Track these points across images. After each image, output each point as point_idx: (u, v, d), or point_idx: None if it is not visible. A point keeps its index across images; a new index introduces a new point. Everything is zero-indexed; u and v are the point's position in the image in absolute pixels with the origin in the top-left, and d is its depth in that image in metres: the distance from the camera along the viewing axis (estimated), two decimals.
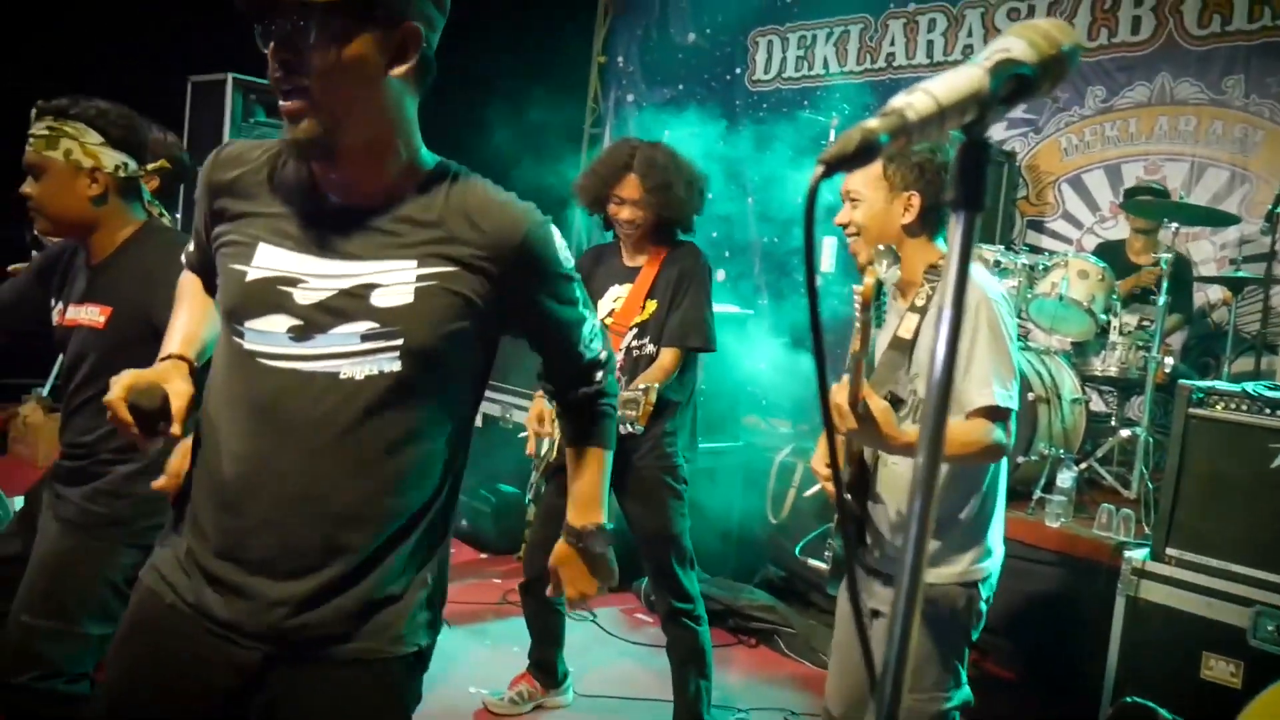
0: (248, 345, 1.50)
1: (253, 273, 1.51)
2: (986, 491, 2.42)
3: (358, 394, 1.48)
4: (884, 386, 2.35)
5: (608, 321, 3.46)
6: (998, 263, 4.83)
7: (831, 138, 6.58)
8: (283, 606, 1.48)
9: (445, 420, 1.59)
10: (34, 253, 2.82)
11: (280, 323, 1.49)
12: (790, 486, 4.99)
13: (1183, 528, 3.39)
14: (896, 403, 2.31)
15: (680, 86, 8.25)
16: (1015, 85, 0.72)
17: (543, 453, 3.49)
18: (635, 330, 3.41)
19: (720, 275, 7.56)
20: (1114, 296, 4.74)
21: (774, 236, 7.29)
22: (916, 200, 2.37)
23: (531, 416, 3.48)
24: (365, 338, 1.47)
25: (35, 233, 2.52)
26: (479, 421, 6.42)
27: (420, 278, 1.49)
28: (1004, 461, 2.42)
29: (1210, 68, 5.65)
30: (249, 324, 1.50)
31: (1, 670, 2.34)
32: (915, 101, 0.71)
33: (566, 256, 1.65)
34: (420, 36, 1.47)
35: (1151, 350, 4.48)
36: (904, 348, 2.38)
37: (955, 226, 0.73)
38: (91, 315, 2.45)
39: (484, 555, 5.67)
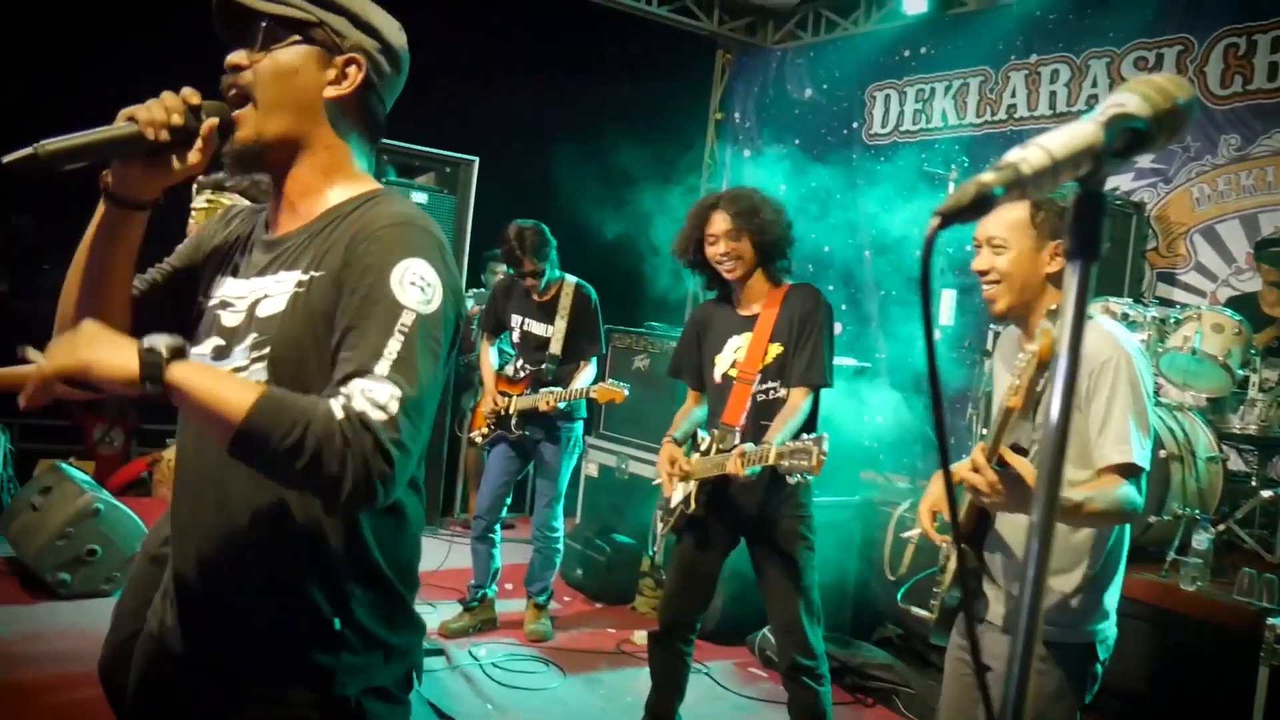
0: None
1: (204, 302, 1.61)
2: (1111, 551, 2.36)
3: None
4: (1010, 438, 2.31)
5: (732, 373, 3.48)
6: (1126, 315, 4.70)
7: (950, 190, 6.52)
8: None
9: None
10: None
11: (209, 345, 1.54)
12: (909, 542, 4.89)
13: None
14: (1020, 454, 2.28)
15: (796, 141, 8.31)
16: (1130, 139, 0.74)
17: (672, 506, 3.51)
18: (760, 376, 3.43)
19: (837, 329, 7.54)
20: (1252, 351, 4.56)
21: (891, 290, 7.24)
22: (1064, 249, 2.33)
23: (663, 459, 3.51)
24: (250, 348, 1.48)
25: None
26: (594, 471, 6.51)
27: (298, 284, 1.48)
28: (1125, 527, 2.37)
29: None
30: (193, 350, 1.54)
31: None
32: (1029, 155, 0.73)
33: (413, 284, 1.42)
34: (361, 70, 1.53)
35: None
36: (1032, 399, 2.35)
37: (1071, 276, 0.75)
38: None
39: (598, 605, 5.71)
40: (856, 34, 8.04)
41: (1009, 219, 2.32)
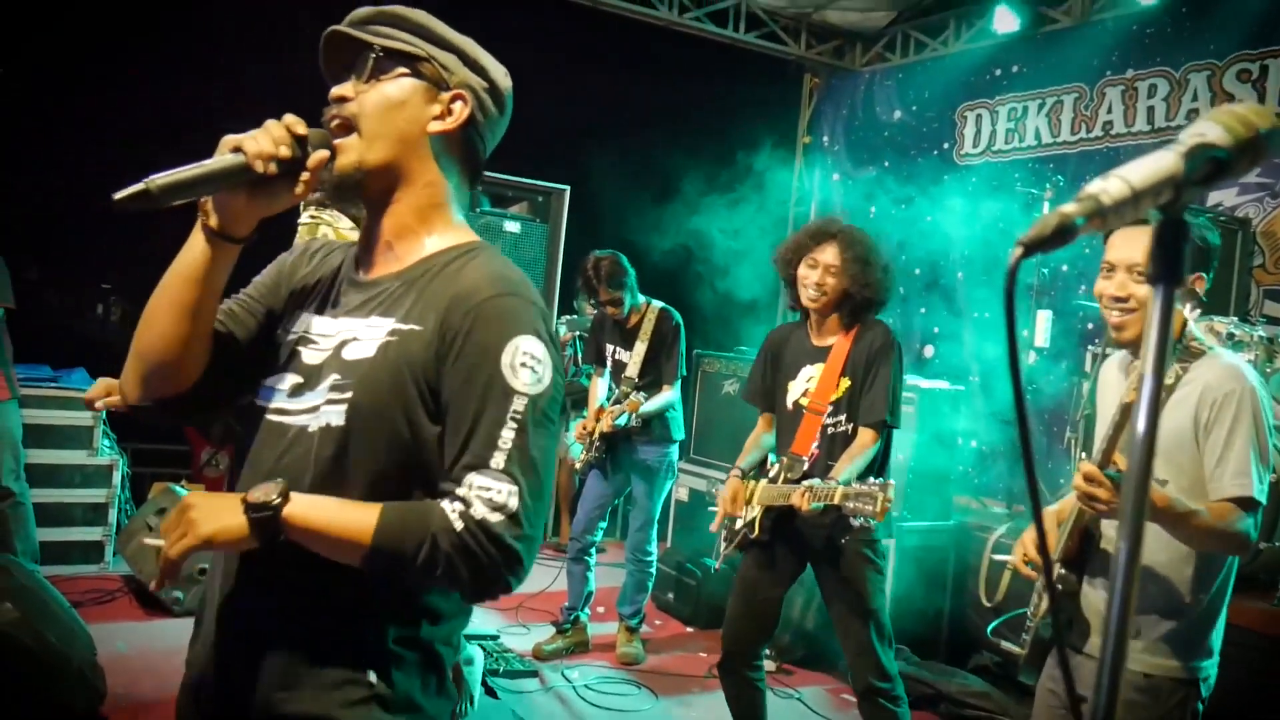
0: (258, 401, 1.54)
1: (284, 337, 1.57)
2: (1219, 587, 2.31)
3: (312, 448, 1.45)
4: (1125, 440, 2.28)
5: (803, 402, 3.51)
6: (1231, 335, 4.56)
7: (1045, 209, 6.43)
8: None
9: (373, 499, 1.41)
10: None
11: (287, 380, 1.52)
12: (1006, 569, 4.81)
13: None
14: None
15: (886, 163, 8.27)
16: (1211, 168, 0.76)
17: (737, 527, 3.53)
18: (831, 408, 3.46)
19: (929, 351, 7.46)
20: None
21: (985, 312, 7.14)
22: (1202, 284, 2.30)
23: (726, 494, 3.55)
24: (330, 389, 1.46)
25: None
26: (685, 495, 6.54)
27: (390, 332, 1.46)
28: (1235, 562, 2.31)
29: None
30: (265, 381, 1.54)
31: None
32: (1110, 187, 0.75)
33: (524, 365, 1.41)
34: (466, 106, 1.53)
35: None
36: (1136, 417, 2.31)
37: (1154, 301, 0.76)
38: None
39: (690, 629, 5.72)
40: (946, 54, 7.98)
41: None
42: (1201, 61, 6.36)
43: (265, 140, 1.42)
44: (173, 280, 1.48)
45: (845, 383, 3.46)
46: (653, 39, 7.93)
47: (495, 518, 1.34)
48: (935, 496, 5.30)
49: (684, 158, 7.10)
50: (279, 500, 1.34)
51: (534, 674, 4.71)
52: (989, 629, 2.72)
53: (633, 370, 5.00)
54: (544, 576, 5.66)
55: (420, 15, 1.54)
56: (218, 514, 1.34)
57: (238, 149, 1.42)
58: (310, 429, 1.45)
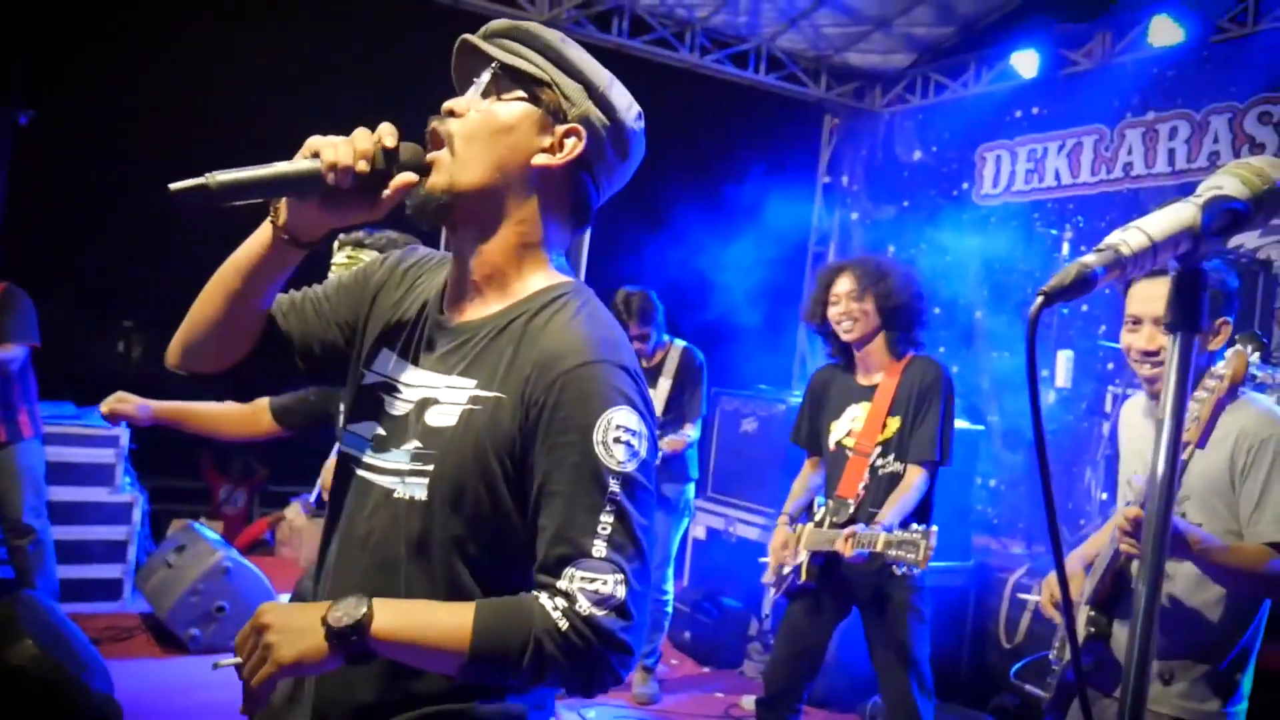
0: (344, 447, 1.49)
1: (367, 376, 1.49)
2: (1253, 630, 2.30)
3: (400, 516, 1.38)
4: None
5: (848, 443, 3.46)
6: (1254, 377, 4.54)
7: (1065, 250, 6.43)
8: None
9: (461, 591, 1.34)
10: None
11: (370, 429, 1.44)
12: (1026, 610, 4.76)
13: None
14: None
15: (905, 203, 8.29)
16: (1228, 219, 0.77)
17: (785, 572, 3.50)
18: (879, 449, 3.40)
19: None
20: None
21: (1005, 351, 7.12)
22: (1228, 328, 2.31)
23: (775, 543, 3.51)
24: (413, 457, 1.38)
25: None
26: (701, 533, 6.54)
27: (472, 399, 1.36)
28: (1268, 606, 2.30)
29: None
30: (350, 426, 1.48)
31: None
32: (1129, 238, 0.77)
33: (617, 442, 1.29)
34: (579, 144, 1.40)
35: None
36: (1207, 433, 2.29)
37: (1173, 348, 0.77)
38: None
39: (706, 669, 5.68)
40: (966, 96, 8.02)
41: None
42: (1223, 104, 6.37)
43: (345, 151, 1.32)
44: (229, 267, 1.44)
45: (894, 422, 3.38)
46: (675, 81, 8.01)
47: (602, 612, 1.24)
48: (954, 536, 5.26)
49: (704, 197, 7.15)
50: (365, 621, 1.23)
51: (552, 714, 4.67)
52: (1012, 672, 2.70)
53: (657, 408, 5.02)
54: None
55: (553, 36, 1.43)
56: (298, 638, 1.24)
57: (316, 154, 1.33)
58: (396, 495, 1.38)
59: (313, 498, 7.01)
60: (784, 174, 8.66)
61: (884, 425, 3.39)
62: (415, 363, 1.45)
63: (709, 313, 6.71)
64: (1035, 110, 7.51)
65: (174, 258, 7.49)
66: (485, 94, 1.39)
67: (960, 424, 5.45)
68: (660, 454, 4.85)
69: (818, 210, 9.10)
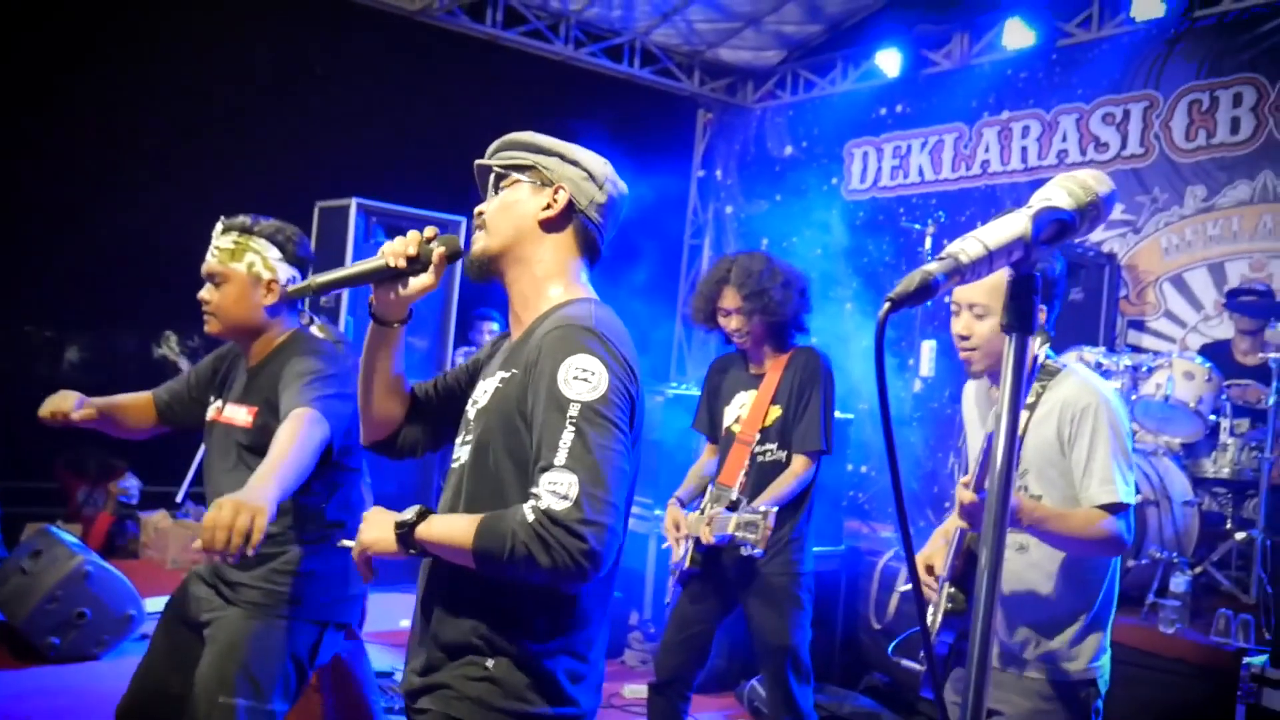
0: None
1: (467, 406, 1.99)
2: (1106, 590, 2.46)
3: (453, 481, 1.92)
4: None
5: (735, 429, 3.55)
6: (1099, 364, 4.82)
7: (927, 245, 6.68)
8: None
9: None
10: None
11: (461, 437, 1.96)
12: (895, 591, 4.96)
13: None
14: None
15: (778, 197, 8.48)
16: (1056, 229, 0.85)
17: (674, 559, 3.55)
18: (760, 436, 3.50)
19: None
20: (1223, 397, 4.68)
21: (871, 341, 7.35)
22: (1043, 316, 2.44)
23: (668, 524, 3.56)
24: (468, 431, 1.92)
25: (205, 332, 2.77)
26: None
27: (500, 380, 1.87)
28: (1117, 563, 2.46)
29: None
30: (456, 439, 1.99)
31: None
32: (967, 247, 0.83)
33: (576, 379, 1.72)
34: (566, 194, 1.92)
35: (1265, 450, 4.39)
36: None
37: (1008, 347, 0.84)
38: (241, 415, 2.69)
39: (620, 660, 5.72)
40: (834, 93, 8.25)
41: (992, 285, 2.35)
42: (1070, 104, 6.73)
43: (398, 244, 1.91)
44: (362, 356, 2.02)
45: (775, 410, 3.49)
46: (550, 73, 8.01)
47: (560, 505, 1.63)
48: (827, 522, 5.43)
49: None
50: (415, 520, 1.75)
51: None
52: (890, 648, 2.82)
53: None
54: None
55: (529, 135, 2.00)
56: (378, 527, 1.79)
57: (381, 254, 1.91)
58: (454, 468, 1.92)
59: (180, 495, 6.79)
60: (659, 168, 8.75)
61: (766, 414, 3.50)
62: (485, 379, 1.96)
63: None
64: (899, 108, 7.78)
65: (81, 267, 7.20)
66: (495, 189, 1.95)
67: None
68: None
69: (693, 203, 9.23)
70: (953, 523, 2.51)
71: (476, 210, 1.97)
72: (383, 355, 2.00)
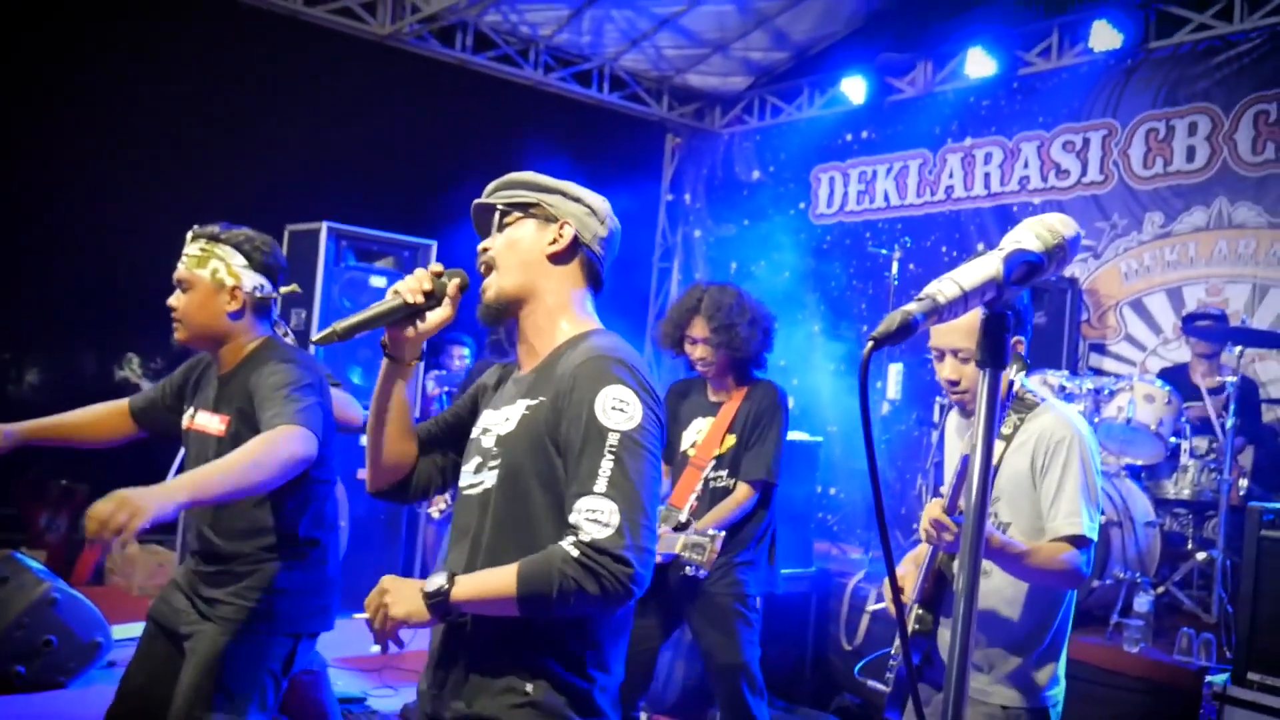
0: (460, 482, 2.02)
1: (474, 432, 2.03)
2: (1061, 620, 2.51)
3: (487, 505, 1.91)
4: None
5: (690, 453, 3.62)
6: (1063, 387, 4.91)
7: (894, 270, 6.78)
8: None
9: (530, 537, 1.85)
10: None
11: (471, 463, 1.99)
12: (864, 613, 5.01)
13: (1264, 650, 3.38)
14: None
15: (746, 221, 8.57)
16: (1025, 270, 0.90)
17: None
18: (714, 463, 3.58)
19: (789, 403, 7.73)
20: (1182, 420, 4.79)
21: (840, 364, 7.44)
22: (1022, 346, 2.50)
23: None
24: (490, 460, 1.93)
25: (174, 340, 2.77)
26: None
27: (526, 408, 1.90)
28: (1074, 594, 2.52)
29: (1267, 192, 5.78)
30: (464, 467, 2.02)
31: None
32: (944, 289, 0.88)
33: (614, 409, 1.79)
34: (571, 229, 1.97)
35: (1224, 472, 4.49)
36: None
37: (982, 383, 0.89)
38: (213, 424, 2.69)
39: None
40: (801, 119, 8.37)
41: (970, 327, 2.43)
42: (1032, 132, 6.87)
43: (413, 281, 1.95)
44: (375, 395, 2.04)
45: (730, 440, 3.58)
46: (520, 97, 8.06)
47: (602, 534, 1.71)
48: (796, 543, 5.48)
49: None
50: (448, 587, 1.76)
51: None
52: (856, 669, 2.87)
53: None
54: (407, 635, 5.58)
55: (530, 175, 2.04)
56: (407, 600, 1.80)
57: (396, 293, 1.94)
58: (475, 495, 1.93)
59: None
60: (628, 191, 8.79)
61: (722, 441, 3.58)
62: (495, 408, 2.01)
63: None
64: (865, 134, 7.91)
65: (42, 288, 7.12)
66: (499, 228, 1.98)
67: (800, 435, 5.69)
68: None
69: (661, 226, 9.30)
70: (924, 548, 2.57)
71: (481, 248, 2.00)
72: (398, 394, 2.03)
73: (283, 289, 2.81)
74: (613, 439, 1.76)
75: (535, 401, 1.88)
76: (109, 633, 4.95)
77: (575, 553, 1.70)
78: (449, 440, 2.13)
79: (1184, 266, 6.12)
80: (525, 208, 1.99)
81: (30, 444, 2.82)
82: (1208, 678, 3.48)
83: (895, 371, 6.44)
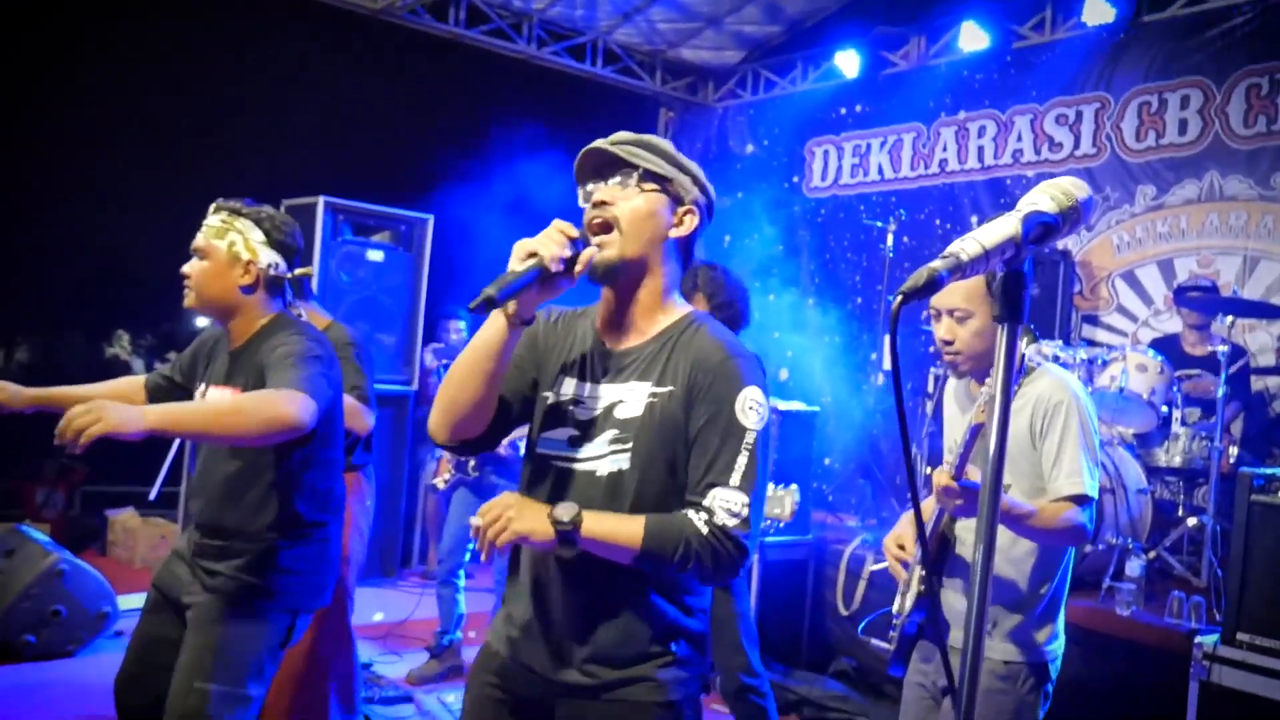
0: (540, 450, 2.01)
1: (552, 398, 2.02)
2: (1061, 576, 2.58)
3: (601, 486, 1.93)
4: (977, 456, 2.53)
5: None
6: (1056, 357, 4.98)
7: (889, 242, 6.83)
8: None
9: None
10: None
11: (564, 434, 1.99)
12: (860, 579, 5.10)
13: (1253, 612, 3.46)
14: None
15: (740, 195, 8.60)
16: (1042, 230, 0.95)
17: None
18: None
19: (784, 374, 7.79)
20: (1174, 389, 4.87)
21: (835, 336, 7.51)
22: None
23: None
24: (611, 442, 1.95)
25: (184, 305, 2.81)
26: None
27: (651, 395, 1.93)
28: (1072, 552, 2.59)
29: (1258, 165, 5.84)
30: (545, 434, 2.01)
31: None
32: (967, 246, 0.94)
33: (751, 409, 1.88)
34: (696, 219, 1.98)
35: (1215, 440, 4.57)
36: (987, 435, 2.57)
37: (1001, 336, 0.95)
38: (225, 398, 2.71)
39: None
40: (795, 92, 8.39)
41: (968, 289, 2.48)
42: (1025, 105, 6.91)
43: (554, 245, 1.85)
44: (478, 354, 1.94)
45: None
46: (513, 71, 8.06)
47: (733, 522, 1.82)
48: (796, 513, 5.55)
49: (545, 187, 7.24)
50: (578, 519, 1.80)
51: (409, 699, 4.72)
52: (860, 628, 2.94)
53: None
54: (411, 603, 5.67)
55: (667, 145, 2.00)
56: (532, 518, 1.82)
57: (532, 253, 1.84)
58: (599, 473, 1.93)
59: (153, 494, 6.76)
60: None
61: None
62: (595, 381, 2.00)
63: (553, 301, 6.81)
64: (858, 108, 7.93)
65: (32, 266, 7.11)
66: (632, 188, 1.93)
67: (797, 405, 5.76)
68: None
69: None
70: (929, 507, 2.63)
71: (600, 199, 1.94)
72: (501, 354, 1.95)
73: (297, 271, 2.84)
74: (749, 438, 1.87)
75: (664, 390, 1.91)
76: (116, 602, 5.01)
77: (705, 530, 1.81)
78: (517, 401, 2.08)
79: (1175, 239, 6.18)
80: (661, 180, 1.95)
81: (43, 410, 2.84)
82: (1198, 639, 3.56)
83: (889, 343, 6.50)
